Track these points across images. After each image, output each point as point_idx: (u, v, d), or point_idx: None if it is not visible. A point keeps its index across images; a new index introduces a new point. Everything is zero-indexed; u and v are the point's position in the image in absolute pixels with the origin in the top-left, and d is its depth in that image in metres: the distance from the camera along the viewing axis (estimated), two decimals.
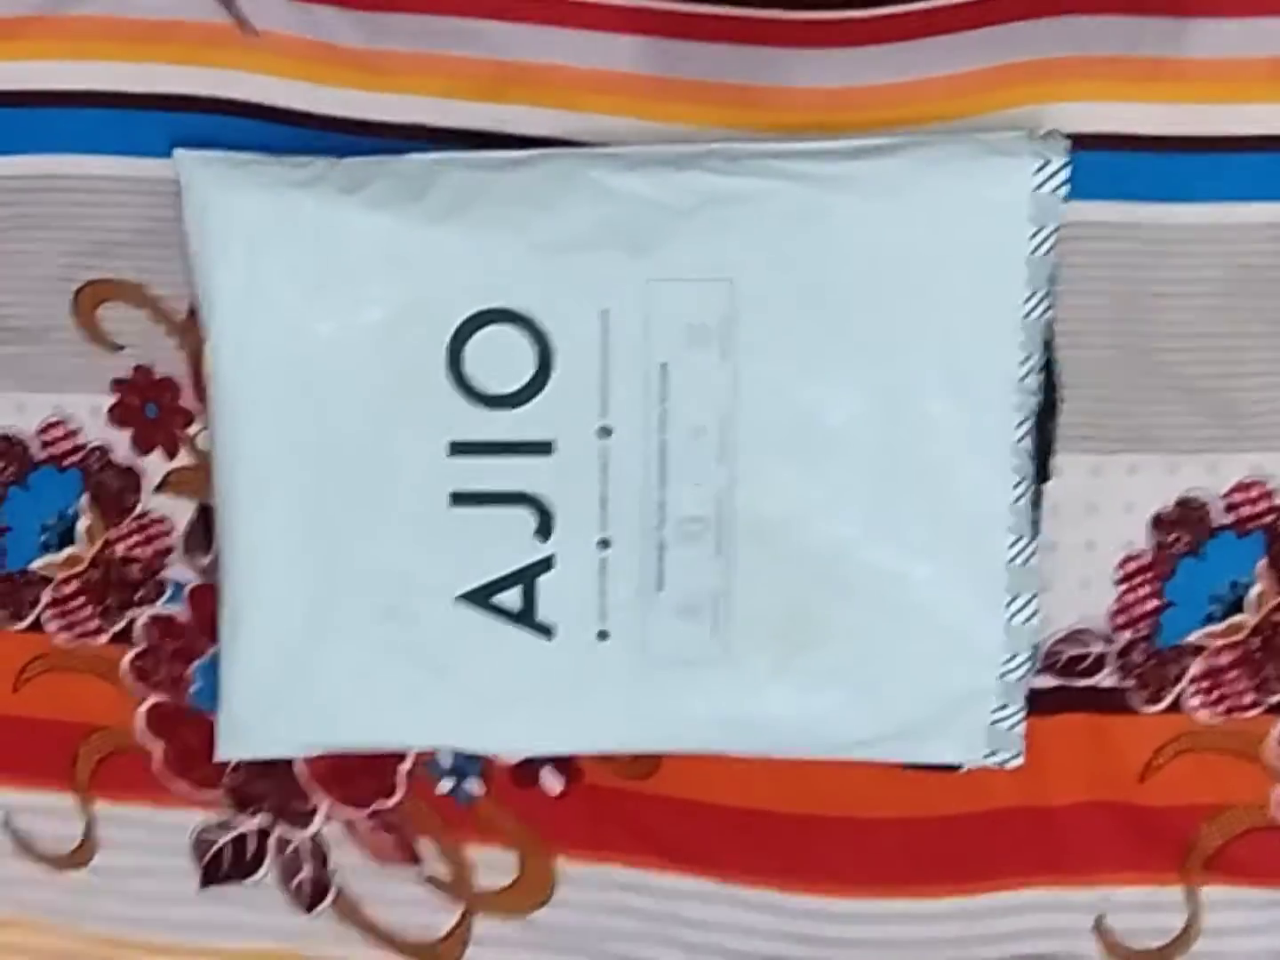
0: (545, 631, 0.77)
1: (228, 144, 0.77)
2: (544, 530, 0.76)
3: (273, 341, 0.76)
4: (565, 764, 0.83)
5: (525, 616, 0.77)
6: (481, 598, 0.77)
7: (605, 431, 0.75)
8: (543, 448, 0.75)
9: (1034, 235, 0.72)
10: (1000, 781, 0.80)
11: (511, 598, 0.77)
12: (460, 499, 0.76)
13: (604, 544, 0.76)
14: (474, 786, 0.85)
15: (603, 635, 0.77)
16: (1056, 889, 0.81)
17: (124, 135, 0.79)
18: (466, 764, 0.84)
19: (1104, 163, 0.74)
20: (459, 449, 0.75)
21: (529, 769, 0.84)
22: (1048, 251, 0.72)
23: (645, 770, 0.83)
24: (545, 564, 0.76)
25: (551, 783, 0.84)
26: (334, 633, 0.78)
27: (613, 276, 0.73)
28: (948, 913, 0.82)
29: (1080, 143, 0.73)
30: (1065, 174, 0.72)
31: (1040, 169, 0.71)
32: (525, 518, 0.76)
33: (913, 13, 0.73)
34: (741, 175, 0.73)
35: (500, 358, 0.74)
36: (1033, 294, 0.72)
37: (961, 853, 0.81)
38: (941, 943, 0.82)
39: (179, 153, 0.77)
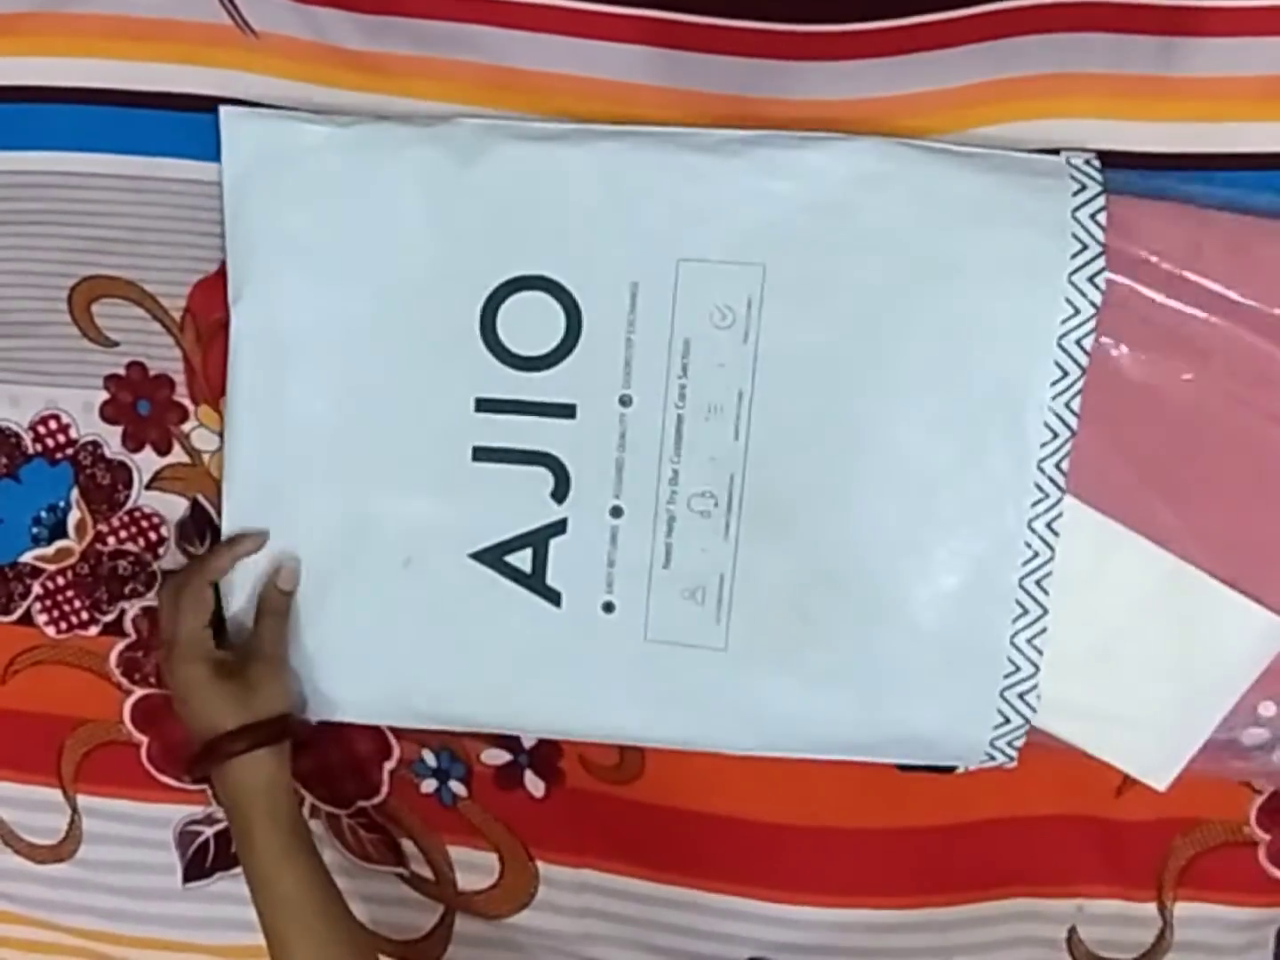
0: (553, 597, 0.79)
1: None
2: (560, 493, 0.78)
3: (308, 290, 0.78)
4: (548, 767, 0.84)
5: (535, 579, 0.78)
6: (494, 556, 0.79)
7: (626, 400, 0.77)
8: (565, 410, 0.77)
9: (1076, 254, 0.72)
10: (979, 794, 0.81)
11: (523, 559, 0.78)
12: (482, 454, 0.78)
13: (616, 512, 0.77)
14: (457, 788, 0.85)
15: (609, 607, 0.78)
16: (1031, 900, 0.82)
17: (123, 133, 0.79)
18: (450, 765, 0.85)
19: None
20: (485, 405, 0.78)
21: (512, 771, 0.84)
22: (1093, 275, 0.72)
23: (627, 775, 0.83)
24: (559, 527, 0.78)
25: (534, 786, 0.84)
26: (350, 583, 0.80)
27: (645, 252, 0.75)
28: (925, 923, 0.82)
29: None
30: (1102, 199, 0.72)
31: (1079, 191, 0.72)
32: (543, 478, 0.78)
33: (909, 27, 0.74)
34: (780, 166, 0.74)
35: (531, 322, 0.77)
36: (1074, 314, 0.72)
37: (939, 864, 0.82)
38: (918, 952, 0.83)
39: (224, 110, 0.78)
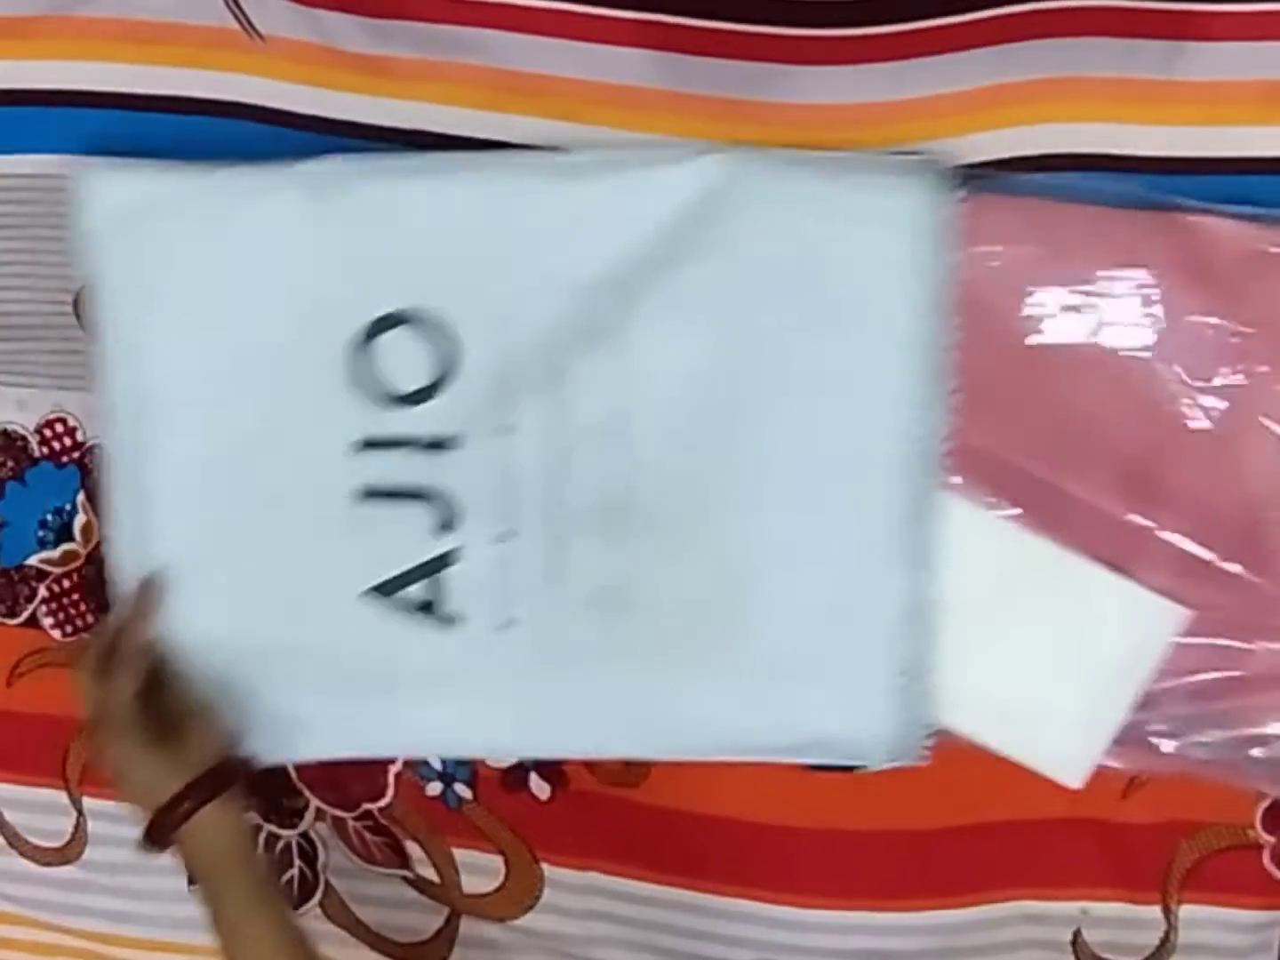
0: (452, 623, 0.79)
1: (232, 146, 0.78)
2: (449, 523, 0.78)
3: (172, 347, 0.77)
4: (553, 770, 0.84)
5: (432, 609, 0.79)
6: (387, 592, 0.79)
7: (508, 428, 0.77)
8: (448, 442, 0.77)
9: (928, 249, 0.73)
10: (983, 796, 0.81)
11: (418, 591, 0.79)
12: (365, 495, 0.78)
13: (507, 536, 0.78)
14: (463, 790, 0.85)
15: (507, 626, 0.78)
16: (1036, 902, 0.82)
17: (129, 136, 0.79)
18: (456, 768, 0.85)
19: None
20: (364, 445, 0.78)
21: (518, 774, 0.84)
22: (947, 268, 0.73)
23: (633, 779, 0.83)
24: (451, 556, 0.78)
25: (539, 789, 0.84)
26: (246, 637, 0.80)
27: (515, 280, 0.76)
28: (929, 925, 0.82)
29: (1071, 163, 0.73)
30: (958, 194, 0.72)
31: (931, 187, 0.73)
32: (431, 512, 0.78)
33: (911, 31, 0.73)
34: (636, 186, 0.75)
35: (406, 357, 0.77)
36: (931, 307, 0.73)
37: (944, 866, 0.82)
38: (922, 954, 0.83)
39: (80, 170, 0.77)
